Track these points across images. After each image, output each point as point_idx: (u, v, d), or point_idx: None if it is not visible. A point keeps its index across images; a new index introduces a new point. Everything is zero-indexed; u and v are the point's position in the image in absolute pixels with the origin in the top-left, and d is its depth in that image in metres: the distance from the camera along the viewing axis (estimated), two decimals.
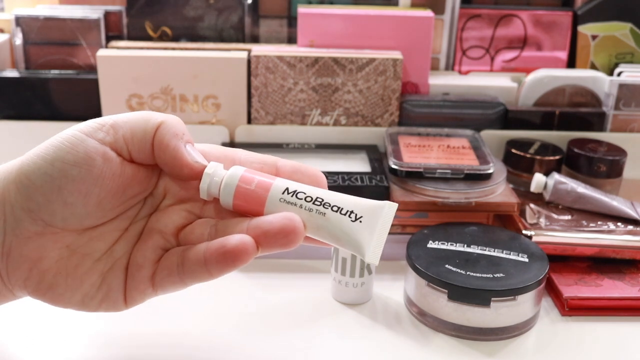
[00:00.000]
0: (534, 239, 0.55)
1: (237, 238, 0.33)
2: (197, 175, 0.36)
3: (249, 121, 0.68)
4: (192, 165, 0.36)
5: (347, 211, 0.35)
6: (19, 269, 0.35)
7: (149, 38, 0.71)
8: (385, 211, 0.35)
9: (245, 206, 0.36)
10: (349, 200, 0.35)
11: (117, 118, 0.37)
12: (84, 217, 0.35)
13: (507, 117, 0.69)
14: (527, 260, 0.51)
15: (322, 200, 0.35)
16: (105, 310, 0.37)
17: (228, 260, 0.33)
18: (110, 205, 0.36)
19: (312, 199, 0.35)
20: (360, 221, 0.35)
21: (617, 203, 0.59)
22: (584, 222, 0.58)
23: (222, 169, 0.37)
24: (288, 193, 0.35)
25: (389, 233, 0.61)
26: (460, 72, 0.75)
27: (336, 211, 0.35)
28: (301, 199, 0.35)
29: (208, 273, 0.34)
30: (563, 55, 0.74)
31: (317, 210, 0.35)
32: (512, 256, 0.51)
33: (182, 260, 0.35)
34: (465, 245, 0.53)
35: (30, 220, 0.34)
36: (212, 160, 0.38)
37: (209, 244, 0.34)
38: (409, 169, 0.58)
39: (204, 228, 0.36)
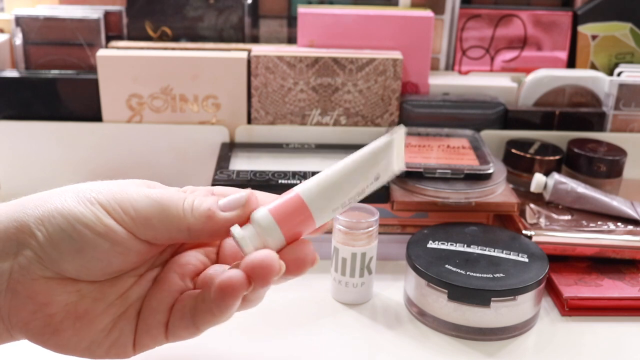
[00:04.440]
0: (534, 239, 0.55)
1: (228, 273, 0.33)
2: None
3: (249, 121, 0.68)
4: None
5: (374, 180, 0.35)
6: (23, 310, 0.33)
7: (149, 38, 0.71)
8: (395, 143, 0.35)
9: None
10: (368, 173, 0.35)
11: (135, 214, 0.34)
12: (98, 277, 0.35)
13: (507, 117, 0.69)
14: (527, 260, 0.51)
15: (355, 198, 0.35)
16: (113, 358, 0.36)
17: (218, 295, 0.33)
18: (130, 268, 0.36)
19: (346, 203, 0.35)
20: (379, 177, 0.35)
21: (617, 203, 0.59)
22: (584, 222, 0.58)
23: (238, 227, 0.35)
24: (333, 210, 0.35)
25: (389, 233, 0.61)
26: (460, 72, 0.75)
27: (367, 190, 0.35)
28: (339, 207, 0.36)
29: (211, 313, 0.34)
30: (563, 55, 0.74)
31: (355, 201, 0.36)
32: (512, 256, 0.51)
33: (195, 302, 0.35)
34: (465, 245, 0.53)
35: (40, 265, 0.33)
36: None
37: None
38: (409, 169, 0.58)
39: (218, 269, 0.37)
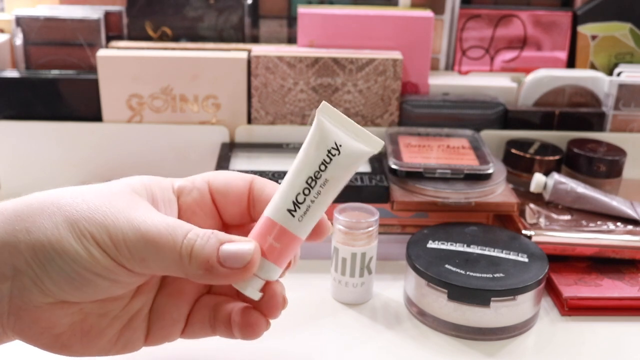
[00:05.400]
0: (534, 239, 0.55)
1: (253, 318, 0.37)
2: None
3: (249, 121, 0.68)
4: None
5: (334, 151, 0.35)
6: (29, 331, 0.33)
7: (149, 38, 0.71)
8: (326, 119, 0.35)
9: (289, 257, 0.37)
10: (311, 164, 0.35)
11: (130, 255, 0.32)
12: (99, 298, 0.35)
13: (507, 117, 0.69)
14: (526, 260, 0.51)
15: (319, 193, 0.35)
16: (123, 354, 0.37)
17: (242, 333, 0.37)
18: (132, 290, 0.36)
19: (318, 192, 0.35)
20: (341, 146, 0.35)
21: (617, 203, 0.59)
22: (584, 222, 0.58)
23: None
24: (296, 208, 0.35)
25: (389, 233, 0.61)
26: (460, 72, 0.75)
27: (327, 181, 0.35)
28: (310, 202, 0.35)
29: (232, 336, 0.38)
30: (563, 55, 0.74)
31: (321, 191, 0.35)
32: (512, 256, 0.51)
33: (214, 314, 0.38)
34: (465, 245, 0.53)
35: (41, 294, 0.32)
36: (234, 193, 0.38)
37: (235, 311, 0.37)
38: (409, 169, 0.58)
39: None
